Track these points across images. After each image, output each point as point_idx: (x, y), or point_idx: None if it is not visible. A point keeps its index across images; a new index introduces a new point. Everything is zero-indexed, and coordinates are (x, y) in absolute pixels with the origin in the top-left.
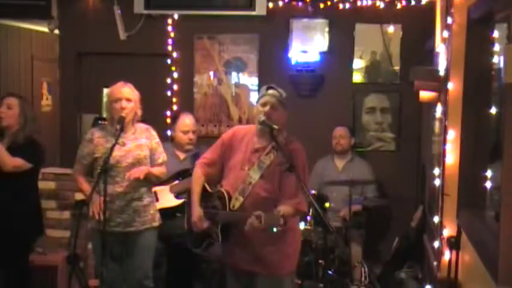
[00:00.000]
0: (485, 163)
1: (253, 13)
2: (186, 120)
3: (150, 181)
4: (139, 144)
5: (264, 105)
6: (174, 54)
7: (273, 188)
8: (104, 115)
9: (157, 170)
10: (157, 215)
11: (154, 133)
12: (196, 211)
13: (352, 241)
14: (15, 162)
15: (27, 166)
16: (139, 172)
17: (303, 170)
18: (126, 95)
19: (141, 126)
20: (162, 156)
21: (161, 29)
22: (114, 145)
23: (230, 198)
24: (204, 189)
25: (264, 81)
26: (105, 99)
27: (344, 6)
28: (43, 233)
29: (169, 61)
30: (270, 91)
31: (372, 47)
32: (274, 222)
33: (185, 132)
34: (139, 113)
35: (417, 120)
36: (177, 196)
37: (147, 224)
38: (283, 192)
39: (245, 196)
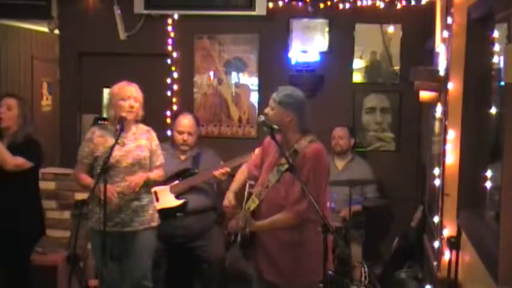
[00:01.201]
0: (485, 163)
1: (253, 13)
2: (183, 121)
3: (148, 185)
4: (140, 144)
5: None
6: (174, 54)
7: (286, 194)
8: (105, 115)
9: (156, 174)
10: (156, 215)
11: (154, 135)
12: (228, 196)
13: (352, 241)
14: (16, 161)
15: (28, 165)
16: (137, 180)
17: (312, 173)
18: (133, 94)
19: (142, 127)
20: (160, 158)
21: (161, 29)
22: (114, 145)
23: (248, 199)
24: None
25: (264, 81)
26: (106, 99)
27: (344, 6)
28: (44, 233)
29: (169, 61)
30: (273, 94)
31: (372, 47)
32: (243, 222)
33: (180, 133)
34: (141, 113)
35: (417, 120)
36: (177, 196)
37: (146, 224)
38: (288, 197)
39: (260, 199)
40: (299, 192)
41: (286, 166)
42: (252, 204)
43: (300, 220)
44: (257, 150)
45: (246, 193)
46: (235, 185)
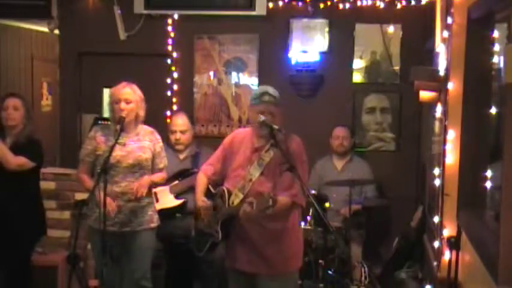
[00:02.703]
0: (485, 163)
1: (253, 13)
2: (176, 120)
3: (150, 187)
4: (142, 146)
5: (262, 113)
6: (174, 54)
7: (273, 185)
8: (106, 115)
9: (158, 177)
10: (156, 217)
11: (158, 137)
12: (200, 196)
13: (352, 241)
14: (19, 161)
15: (30, 165)
16: (143, 187)
17: (301, 165)
18: (125, 96)
19: (146, 128)
20: (163, 161)
21: (161, 29)
22: (114, 145)
23: (230, 195)
24: (208, 190)
25: (264, 81)
26: (108, 99)
27: (344, 6)
28: (45, 232)
29: (169, 61)
30: (266, 98)
31: (372, 47)
32: (265, 204)
33: (172, 132)
34: (142, 113)
35: (417, 120)
36: (176, 196)
37: (145, 224)
38: (279, 186)
39: (245, 193)
40: (289, 179)
41: (267, 159)
42: (236, 198)
43: (293, 204)
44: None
45: (225, 191)
46: (200, 188)
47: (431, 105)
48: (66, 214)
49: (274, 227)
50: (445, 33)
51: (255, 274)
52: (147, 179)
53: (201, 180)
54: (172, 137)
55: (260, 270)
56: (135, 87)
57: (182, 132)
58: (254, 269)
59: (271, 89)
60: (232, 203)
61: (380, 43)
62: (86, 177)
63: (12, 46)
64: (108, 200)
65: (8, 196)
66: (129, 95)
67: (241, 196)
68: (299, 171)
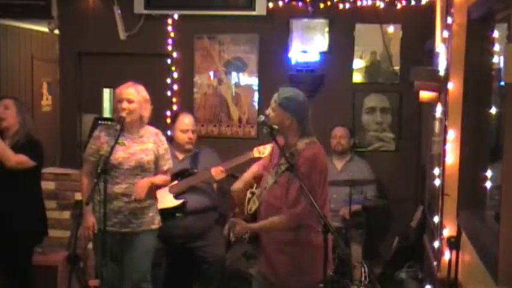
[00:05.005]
0: (485, 163)
1: (253, 13)
2: (185, 120)
3: (152, 190)
4: (145, 148)
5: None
6: (174, 54)
7: (281, 196)
8: (106, 115)
9: (161, 179)
10: (158, 218)
11: (163, 138)
12: (238, 183)
13: (352, 241)
14: (19, 158)
15: (30, 163)
16: (142, 192)
17: (306, 178)
18: (128, 95)
19: (151, 130)
20: (168, 163)
21: (161, 29)
22: (114, 145)
23: (250, 201)
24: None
25: (264, 81)
26: (111, 99)
27: (344, 6)
28: (47, 233)
29: (169, 61)
30: (275, 94)
31: (372, 47)
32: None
33: (184, 131)
34: (146, 114)
35: (417, 120)
36: (176, 196)
37: (145, 226)
38: (283, 200)
39: (260, 200)
40: (295, 195)
41: (284, 167)
42: (253, 205)
43: (296, 223)
44: (269, 147)
45: (249, 194)
46: (247, 175)
47: (431, 105)
48: (66, 214)
49: (282, 238)
50: (445, 33)
51: (270, 281)
52: (146, 180)
53: (253, 169)
54: (185, 136)
55: (271, 278)
56: (140, 87)
57: (193, 131)
58: (269, 277)
59: (284, 89)
60: (250, 209)
61: (380, 43)
62: (86, 182)
63: (12, 46)
64: (91, 221)
65: (8, 196)
66: (132, 95)
67: (257, 203)
68: (300, 176)
